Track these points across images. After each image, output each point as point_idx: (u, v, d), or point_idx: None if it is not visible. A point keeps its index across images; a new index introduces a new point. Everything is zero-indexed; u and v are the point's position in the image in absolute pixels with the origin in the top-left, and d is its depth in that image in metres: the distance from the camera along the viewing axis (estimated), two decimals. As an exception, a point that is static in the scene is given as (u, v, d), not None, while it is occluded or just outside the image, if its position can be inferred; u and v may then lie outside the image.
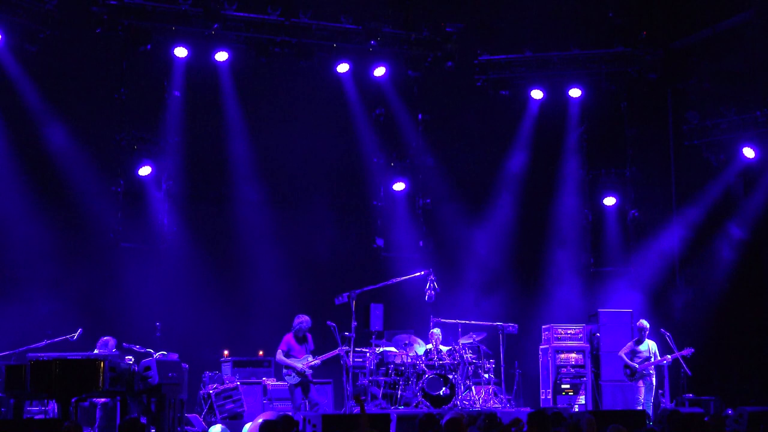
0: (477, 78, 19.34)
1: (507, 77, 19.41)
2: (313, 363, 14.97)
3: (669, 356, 16.29)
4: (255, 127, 18.53)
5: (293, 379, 14.92)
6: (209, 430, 14.76)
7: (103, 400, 13.85)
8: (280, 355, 15.06)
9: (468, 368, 15.67)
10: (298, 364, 14.89)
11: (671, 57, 19.14)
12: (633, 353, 16.28)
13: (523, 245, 19.40)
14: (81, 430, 9.35)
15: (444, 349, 15.94)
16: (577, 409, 16.27)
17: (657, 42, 18.98)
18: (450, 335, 16.50)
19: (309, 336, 15.14)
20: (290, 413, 12.92)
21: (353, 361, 15.42)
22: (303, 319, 15.06)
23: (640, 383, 16.16)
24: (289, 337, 15.08)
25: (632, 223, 19.50)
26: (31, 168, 17.18)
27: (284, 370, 15.07)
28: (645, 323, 16.46)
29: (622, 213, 19.68)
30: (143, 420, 11.83)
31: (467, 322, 16.25)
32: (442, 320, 16.25)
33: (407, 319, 17.77)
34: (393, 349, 16.01)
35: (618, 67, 19.25)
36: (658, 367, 16.44)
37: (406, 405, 15.17)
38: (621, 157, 19.70)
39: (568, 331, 17.39)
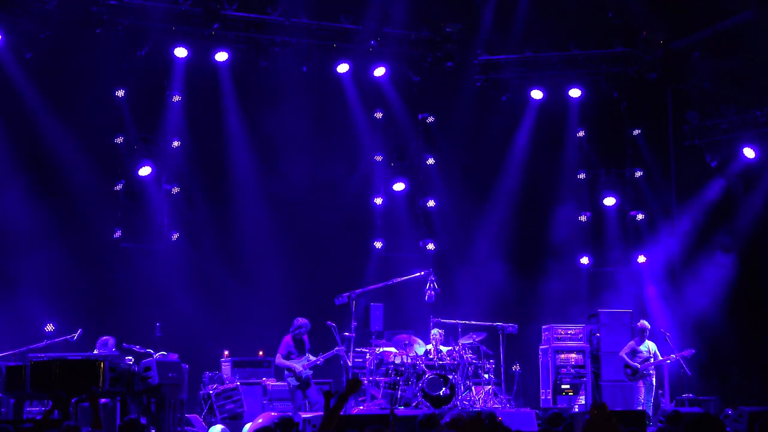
0: (477, 78, 19.34)
1: (507, 77, 19.41)
2: (314, 361, 15.06)
3: (669, 357, 16.29)
4: (255, 127, 18.52)
5: (294, 381, 15.02)
6: (209, 430, 14.75)
7: (103, 400, 13.83)
8: (279, 359, 15.24)
9: (468, 368, 15.64)
10: (298, 366, 14.98)
11: (671, 57, 19.13)
12: (633, 353, 16.29)
13: (523, 245, 19.38)
14: (80, 431, 9.34)
15: (444, 349, 15.91)
16: (577, 409, 16.26)
17: (657, 42, 18.96)
18: (450, 335, 16.48)
19: (305, 338, 15.25)
20: (291, 414, 13.00)
21: (353, 361, 15.44)
22: (302, 323, 15.19)
23: (640, 383, 16.17)
24: (288, 339, 15.17)
25: (632, 223, 19.51)
26: (31, 168, 17.16)
27: (285, 372, 15.17)
28: (646, 323, 16.48)
29: (622, 213, 19.68)
30: (143, 420, 11.83)
31: (467, 322, 16.22)
32: (442, 320, 16.22)
33: (407, 319, 17.76)
34: (393, 349, 15.98)
35: (618, 67, 19.25)
36: (658, 367, 16.46)
37: (406, 405, 15.14)
38: (621, 157, 19.69)
39: (568, 332, 17.38)
